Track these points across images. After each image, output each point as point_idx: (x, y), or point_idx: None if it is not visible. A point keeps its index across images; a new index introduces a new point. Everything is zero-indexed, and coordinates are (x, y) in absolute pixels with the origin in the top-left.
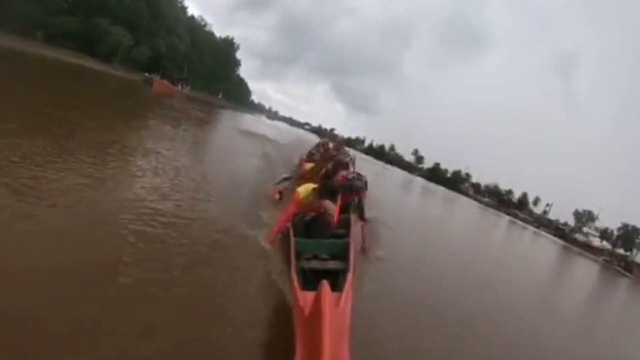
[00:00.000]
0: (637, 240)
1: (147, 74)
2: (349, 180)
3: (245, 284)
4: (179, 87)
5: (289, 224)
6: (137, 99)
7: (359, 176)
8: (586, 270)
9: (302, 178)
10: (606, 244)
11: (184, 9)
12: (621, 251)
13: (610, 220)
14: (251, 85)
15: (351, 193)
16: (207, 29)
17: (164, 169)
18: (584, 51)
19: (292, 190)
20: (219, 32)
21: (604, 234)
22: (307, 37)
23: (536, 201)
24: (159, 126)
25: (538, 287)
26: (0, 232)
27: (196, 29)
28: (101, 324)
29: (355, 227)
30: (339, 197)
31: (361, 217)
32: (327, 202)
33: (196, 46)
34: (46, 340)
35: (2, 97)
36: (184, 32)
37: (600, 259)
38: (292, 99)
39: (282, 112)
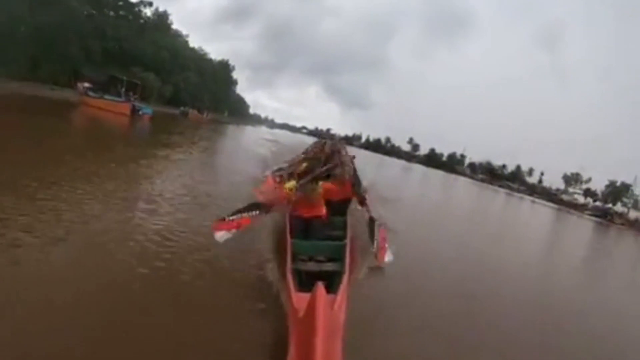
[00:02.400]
0: (628, 194)
1: (182, 108)
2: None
3: (240, 285)
4: (204, 114)
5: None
6: (184, 125)
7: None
8: (580, 224)
9: (296, 175)
10: (590, 200)
11: (186, 42)
12: (610, 205)
13: (603, 179)
14: (244, 96)
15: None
16: (206, 56)
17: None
18: (568, 21)
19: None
20: (204, 47)
21: (588, 192)
22: (293, 41)
23: (530, 172)
24: (205, 139)
25: (543, 243)
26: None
27: (199, 59)
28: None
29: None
30: (326, 185)
31: (362, 203)
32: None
33: (201, 74)
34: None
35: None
36: (192, 64)
37: (585, 213)
38: (286, 105)
39: (278, 119)
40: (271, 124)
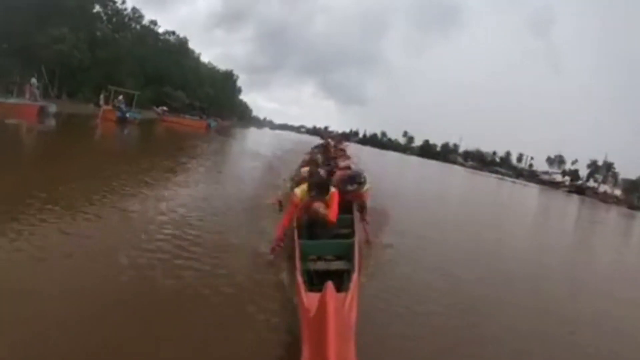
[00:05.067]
0: (601, 171)
1: (212, 118)
2: (347, 176)
3: (251, 286)
4: (225, 122)
5: (289, 230)
6: (223, 132)
7: (358, 173)
8: (557, 196)
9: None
10: (567, 179)
11: (199, 59)
12: (584, 181)
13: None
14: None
15: (347, 190)
16: (215, 69)
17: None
18: (558, 8)
19: (290, 194)
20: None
21: (567, 172)
22: (287, 42)
23: (520, 157)
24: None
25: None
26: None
27: (211, 73)
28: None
29: (358, 225)
30: (335, 192)
31: (362, 217)
32: (317, 203)
33: (214, 87)
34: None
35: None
36: (208, 80)
37: (561, 189)
38: (283, 105)
39: (276, 120)
40: (271, 125)
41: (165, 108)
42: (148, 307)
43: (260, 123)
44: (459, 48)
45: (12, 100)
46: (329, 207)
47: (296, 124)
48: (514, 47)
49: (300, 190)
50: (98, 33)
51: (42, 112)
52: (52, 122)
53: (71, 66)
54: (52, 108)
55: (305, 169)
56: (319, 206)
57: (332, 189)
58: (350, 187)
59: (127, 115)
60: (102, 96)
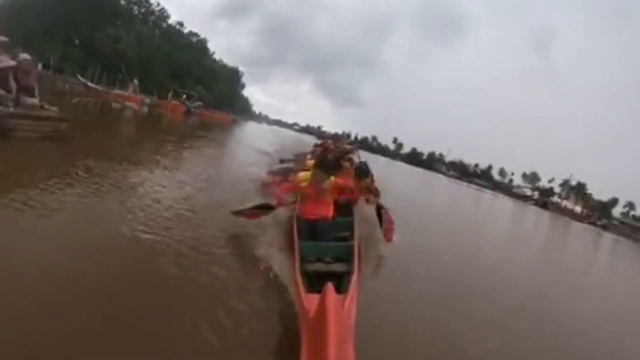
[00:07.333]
0: (582, 192)
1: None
2: (357, 167)
3: (250, 287)
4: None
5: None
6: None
7: (365, 163)
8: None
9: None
10: (536, 193)
11: (212, 56)
12: (550, 197)
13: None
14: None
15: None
16: (225, 66)
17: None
18: (560, 26)
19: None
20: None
21: (537, 189)
22: (289, 38)
23: (502, 171)
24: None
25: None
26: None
27: (221, 69)
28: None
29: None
30: (336, 181)
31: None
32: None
33: (225, 83)
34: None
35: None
36: (220, 77)
37: (529, 202)
38: (279, 100)
39: (270, 115)
40: (268, 121)
41: (200, 103)
42: (138, 298)
43: (258, 118)
44: (457, 57)
45: (116, 91)
46: (331, 195)
47: (290, 120)
48: (511, 60)
49: (304, 174)
50: (137, 31)
51: (142, 102)
52: (146, 109)
53: (125, 62)
54: (147, 100)
55: (312, 161)
56: (319, 208)
57: (332, 178)
58: (363, 181)
59: (191, 109)
60: (170, 94)
